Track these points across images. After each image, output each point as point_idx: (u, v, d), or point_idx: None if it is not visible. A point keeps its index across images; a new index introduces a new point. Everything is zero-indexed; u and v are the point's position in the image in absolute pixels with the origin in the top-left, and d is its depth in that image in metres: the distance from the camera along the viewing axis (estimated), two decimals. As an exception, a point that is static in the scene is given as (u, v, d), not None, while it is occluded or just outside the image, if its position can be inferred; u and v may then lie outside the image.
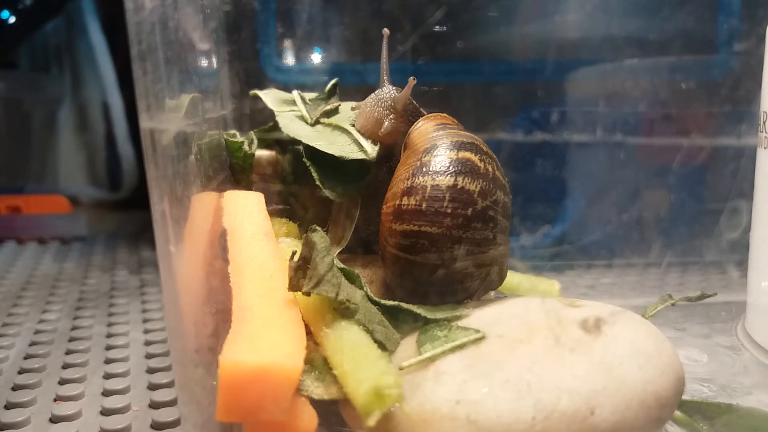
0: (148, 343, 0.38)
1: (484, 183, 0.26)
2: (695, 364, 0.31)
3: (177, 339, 0.22)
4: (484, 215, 0.26)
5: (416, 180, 0.26)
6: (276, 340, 0.21)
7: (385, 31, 0.31)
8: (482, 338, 0.23)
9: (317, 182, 0.28)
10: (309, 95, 0.34)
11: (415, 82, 0.28)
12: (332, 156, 0.28)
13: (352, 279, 0.25)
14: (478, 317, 0.25)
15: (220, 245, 0.25)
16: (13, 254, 0.60)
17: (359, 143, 0.29)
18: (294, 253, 0.24)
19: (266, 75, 0.53)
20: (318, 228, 0.24)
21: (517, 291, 0.35)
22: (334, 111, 0.31)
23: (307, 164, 0.29)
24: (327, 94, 0.33)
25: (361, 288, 0.25)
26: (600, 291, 0.46)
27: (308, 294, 0.24)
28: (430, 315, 0.25)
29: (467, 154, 0.27)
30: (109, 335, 0.39)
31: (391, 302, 0.25)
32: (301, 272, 0.24)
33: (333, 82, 0.33)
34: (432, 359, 0.23)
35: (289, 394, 0.20)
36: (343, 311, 0.23)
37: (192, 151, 0.25)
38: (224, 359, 0.20)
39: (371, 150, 0.29)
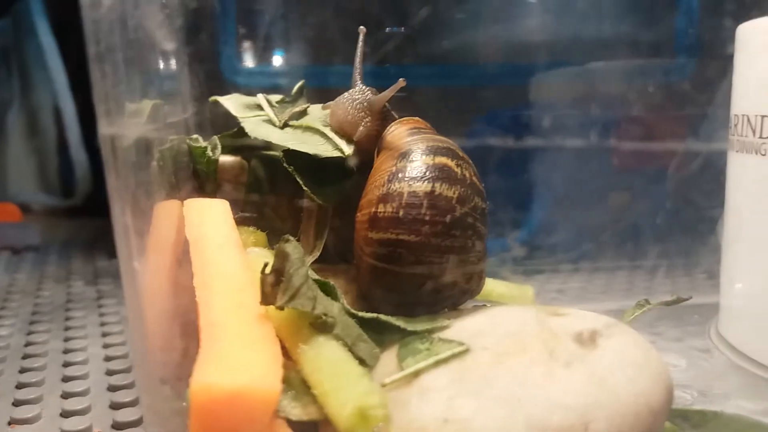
0: (108, 359, 0.36)
1: (462, 189, 0.25)
2: (674, 370, 0.31)
3: (142, 358, 0.20)
4: (463, 222, 0.25)
5: (392, 186, 0.25)
6: (250, 360, 0.20)
7: (362, 29, 0.30)
8: (466, 351, 0.22)
9: (303, 187, 0.27)
10: (273, 98, 0.33)
11: (404, 84, 0.27)
12: (309, 160, 0.27)
13: (327, 291, 0.24)
14: (459, 328, 0.24)
15: (184, 257, 0.24)
16: (-41, 266, 0.57)
17: (333, 142, 0.28)
18: (266, 265, 0.23)
19: (226, 77, 0.52)
20: (291, 237, 0.23)
21: (489, 297, 0.35)
22: (303, 113, 0.30)
23: (290, 169, 0.27)
24: (294, 96, 0.32)
25: (338, 300, 0.24)
26: (570, 296, 0.46)
27: (281, 308, 0.23)
28: (409, 327, 0.24)
29: (444, 160, 0.26)
30: (66, 351, 0.37)
31: (369, 315, 0.24)
32: (273, 285, 0.23)
33: (300, 84, 0.32)
34: (415, 374, 0.22)
35: (266, 418, 0.19)
36: (320, 326, 0.22)
37: (154, 157, 0.24)
38: (195, 382, 0.18)
39: (347, 148, 0.28)
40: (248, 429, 0.18)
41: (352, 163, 0.28)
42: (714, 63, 0.50)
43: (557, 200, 0.53)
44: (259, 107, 0.31)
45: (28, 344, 0.38)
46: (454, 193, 0.25)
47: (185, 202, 0.26)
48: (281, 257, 0.23)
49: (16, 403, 0.31)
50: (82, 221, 0.74)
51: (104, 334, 0.40)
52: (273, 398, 0.18)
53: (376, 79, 0.35)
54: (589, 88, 0.53)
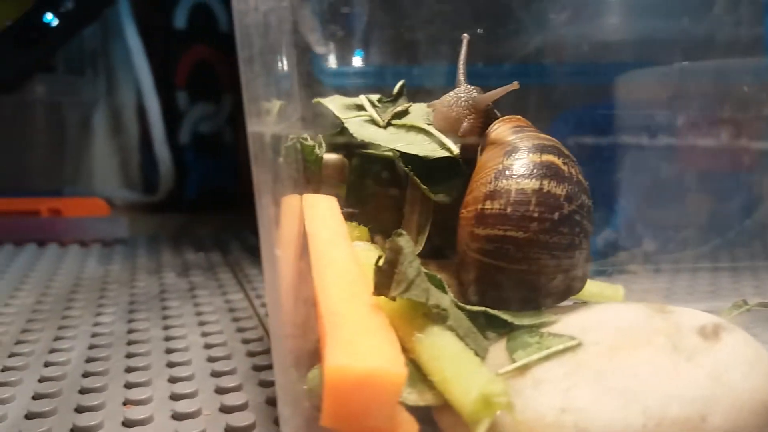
0: (208, 346, 0.38)
1: (570, 186, 0.26)
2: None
3: (278, 342, 0.22)
4: (570, 219, 0.26)
5: (499, 183, 0.26)
6: (375, 345, 0.21)
7: (465, 36, 0.31)
8: (578, 345, 0.23)
9: (421, 187, 0.28)
10: (373, 97, 0.34)
11: (517, 86, 0.28)
12: (419, 159, 0.28)
13: (436, 284, 0.25)
14: (567, 324, 0.25)
15: (304, 249, 0.25)
16: (56, 257, 0.60)
17: (440, 141, 0.29)
18: (380, 257, 0.24)
19: (318, 79, 0.53)
20: (403, 232, 0.24)
21: (581, 296, 0.35)
22: (405, 112, 0.31)
23: (407, 169, 0.28)
24: (395, 95, 0.32)
25: (446, 293, 0.25)
26: (657, 296, 0.45)
27: (394, 299, 0.24)
28: (517, 321, 0.25)
29: (550, 157, 0.26)
30: (168, 338, 0.39)
31: (478, 308, 0.25)
32: (387, 276, 0.24)
33: (400, 83, 0.33)
34: (527, 367, 0.22)
35: (394, 400, 0.19)
36: (433, 316, 0.23)
37: (281, 153, 0.25)
38: (330, 364, 0.19)
39: (454, 147, 0.28)
40: (377, 409, 0.19)
41: (462, 161, 0.28)
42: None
43: (641, 201, 0.53)
44: (360, 107, 0.32)
45: (130, 331, 0.40)
46: (561, 190, 0.26)
47: (304, 197, 0.27)
48: (395, 250, 0.24)
49: (128, 385, 0.33)
50: (166, 216, 0.77)
51: (201, 323, 0.42)
52: (400, 381, 0.19)
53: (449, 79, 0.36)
54: (673, 88, 0.52)
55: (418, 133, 0.30)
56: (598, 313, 0.25)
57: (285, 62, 0.25)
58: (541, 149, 0.27)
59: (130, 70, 0.80)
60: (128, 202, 0.82)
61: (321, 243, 0.26)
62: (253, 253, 0.61)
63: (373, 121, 0.31)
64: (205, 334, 0.40)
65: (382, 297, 0.24)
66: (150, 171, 0.82)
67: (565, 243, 0.26)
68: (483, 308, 0.25)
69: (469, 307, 0.25)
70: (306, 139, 0.32)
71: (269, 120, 0.20)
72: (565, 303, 0.29)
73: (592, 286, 0.35)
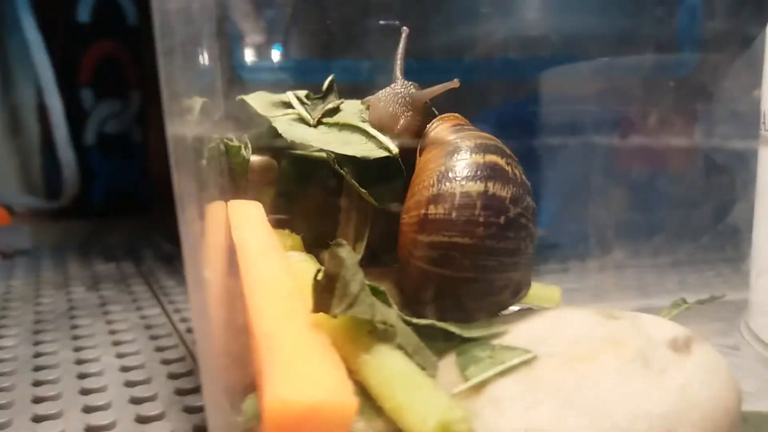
0: (124, 369, 0.34)
1: (515, 188, 0.25)
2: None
3: (210, 375, 0.19)
4: (517, 223, 0.24)
5: (442, 186, 0.24)
6: (319, 372, 0.19)
7: (405, 29, 0.30)
8: (534, 358, 0.21)
9: (359, 190, 0.26)
10: (299, 93, 0.31)
11: (458, 84, 0.26)
12: (355, 160, 0.26)
13: (380, 297, 0.23)
14: (518, 334, 0.23)
15: (231, 262, 0.23)
16: (-51, 272, 0.55)
17: (377, 140, 0.27)
18: (318, 271, 0.22)
19: (238, 73, 0.50)
20: (344, 242, 0.22)
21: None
22: (336, 110, 0.29)
23: (343, 172, 0.26)
24: (324, 92, 0.30)
25: (390, 306, 0.23)
26: (586, 294, 0.45)
27: (335, 316, 0.22)
28: (467, 333, 0.23)
29: (494, 158, 0.25)
30: (79, 361, 0.36)
31: (425, 321, 0.23)
32: (327, 292, 0.22)
33: (329, 79, 0.31)
34: (482, 384, 0.21)
35: (344, 435, 0.17)
36: (380, 334, 0.21)
37: (204, 157, 0.22)
38: (270, 398, 0.17)
39: (393, 146, 0.27)
40: (326, 447, 0.17)
41: (400, 162, 0.27)
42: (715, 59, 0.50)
43: (563, 198, 0.53)
44: (287, 105, 0.30)
45: (37, 355, 0.37)
46: (507, 192, 0.24)
47: (229, 204, 0.25)
48: (335, 262, 0.22)
49: (36, 419, 0.29)
50: (72, 224, 0.72)
51: (116, 343, 0.38)
52: (351, 412, 0.17)
53: (374, 74, 0.34)
54: (591, 84, 0.52)
55: (352, 132, 0.28)
56: (548, 321, 0.24)
57: (206, 54, 0.22)
58: (484, 149, 0.25)
59: (28, 67, 0.74)
60: (30, 209, 0.76)
61: (250, 255, 0.24)
62: (169, 262, 0.57)
63: (302, 120, 0.29)
64: (120, 355, 0.36)
65: (322, 314, 0.22)
66: (53, 175, 0.76)
67: (512, 248, 0.24)
68: (430, 321, 0.23)
69: (415, 320, 0.23)
70: (231, 140, 0.29)
71: (192, 120, 0.18)
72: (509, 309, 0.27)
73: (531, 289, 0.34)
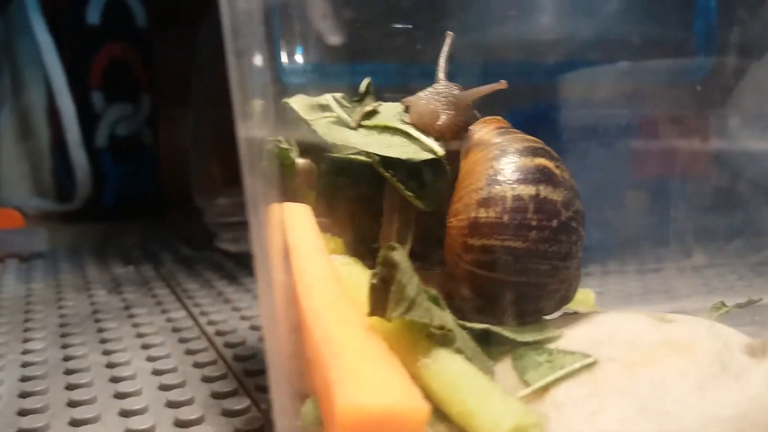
0: (157, 373, 0.34)
1: (565, 191, 0.24)
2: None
3: (278, 379, 0.19)
4: (568, 227, 0.24)
5: (493, 189, 0.24)
6: (386, 376, 0.18)
7: (450, 33, 0.29)
8: (594, 363, 0.21)
9: (405, 193, 0.26)
10: (336, 95, 0.31)
11: (505, 86, 0.26)
12: (399, 162, 0.26)
13: (433, 301, 0.23)
14: (572, 338, 0.23)
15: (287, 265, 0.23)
16: (-33, 276, 0.54)
17: (421, 141, 0.27)
18: (374, 274, 0.22)
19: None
20: (398, 245, 0.22)
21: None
22: (374, 112, 0.29)
23: (389, 175, 0.26)
24: (362, 94, 0.30)
25: (444, 310, 0.23)
26: (611, 298, 0.45)
27: (390, 320, 0.22)
28: (520, 338, 0.23)
29: (542, 161, 0.25)
30: (110, 365, 0.35)
31: (480, 326, 0.23)
32: (382, 295, 0.22)
33: (367, 80, 0.31)
34: (543, 389, 0.21)
35: (416, 440, 0.17)
36: (439, 339, 0.21)
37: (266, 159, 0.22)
38: (342, 403, 0.17)
39: (438, 148, 0.27)
40: (399, 453, 0.17)
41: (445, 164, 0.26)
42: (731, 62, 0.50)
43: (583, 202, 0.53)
44: (325, 107, 0.30)
45: (67, 358, 0.36)
46: (558, 196, 0.24)
47: (284, 206, 0.25)
48: (389, 266, 0.22)
49: (74, 423, 0.29)
50: (84, 226, 0.71)
51: (145, 346, 0.38)
52: (424, 417, 0.17)
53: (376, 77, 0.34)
54: (608, 88, 0.52)
55: (393, 134, 0.27)
56: (600, 324, 0.24)
57: (262, 55, 0.22)
58: (532, 152, 0.25)
59: (38, 70, 0.74)
60: (41, 212, 0.76)
61: (303, 258, 0.24)
62: (189, 265, 0.57)
63: (341, 122, 0.29)
64: (151, 359, 0.36)
65: (374, 318, 0.22)
66: (64, 178, 0.76)
67: (564, 252, 0.24)
68: (486, 325, 0.23)
69: (470, 324, 0.23)
70: (280, 142, 0.29)
71: (259, 122, 0.17)
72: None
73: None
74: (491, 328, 0.23)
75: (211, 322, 0.42)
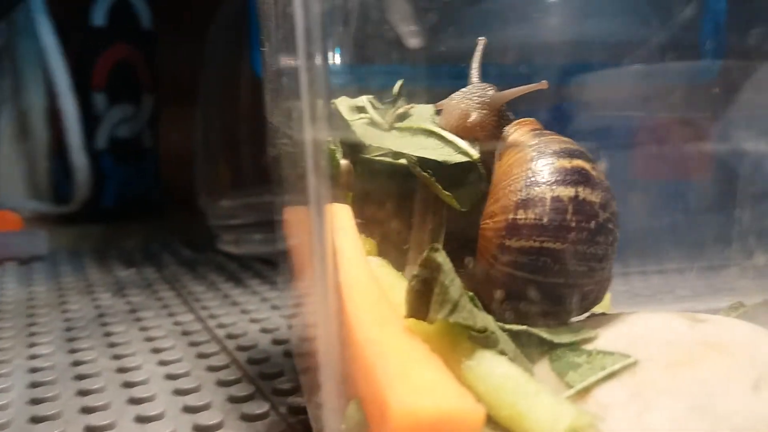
0: (171, 377, 0.34)
1: (603, 193, 0.24)
2: None
3: (331, 381, 0.19)
4: (605, 228, 0.24)
5: (532, 191, 0.24)
6: (439, 379, 0.18)
7: (482, 38, 0.29)
8: (635, 363, 0.21)
9: (442, 194, 0.25)
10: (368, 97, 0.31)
11: (546, 86, 0.26)
12: (433, 164, 0.26)
13: (473, 303, 0.22)
14: (607, 339, 0.23)
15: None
16: (-34, 278, 0.53)
17: (455, 144, 0.26)
18: (415, 276, 0.21)
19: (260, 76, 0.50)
20: (439, 247, 0.22)
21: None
22: (407, 114, 0.29)
23: (428, 174, 0.26)
24: (395, 96, 0.30)
25: (482, 311, 0.22)
26: (620, 299, 0.45)
27: (431, 322, 0.21)
28: (557, 339, 0.23)
29: (580, 162, 0.24)
30: (121, 369, 0.35)
31: (518, 327, 0.23)
32: (422, 297, 0.21)
33: (399, 83, 0.30)
34: (585, 390, 0.20)
35: (472, 444, 0.17)
36: (482, 341, 0.21)
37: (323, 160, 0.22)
38: (397, 407, 0.16)
39: (473, 151, 0.26)
40: (455, 458, 0.16)
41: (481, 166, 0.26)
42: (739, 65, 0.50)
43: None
44: (361, 109, 0.30)
45: (76, 363, 0.36)
46: (596, 197, 0.24)
47: (332, 207, 0.24)
48: (431, 267, 0.21)
49: (90, 430, 0.28)
50: (83, 228, 0.70)
51: (155, 350, 0.37)
52: (480, 419, 0.17)
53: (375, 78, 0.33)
54: (617, 90, 0.52)
55: (427, 136, 0.27)
56: (632, 324, 0.24)
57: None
58: (570, 154, 0.25)
59: (38, 71, 0.73)
60: (39, 214, 0.75)
61: (346, 259, 0.23)
62: (192, 267, 0.56)
63: (375, 124, 0.28)
64: (163, 363, 0.35)
65: (413, 321, 0.21)
66: (63, 179, 0.75)
67: (601, 253, 0.24)
68: (525, 327, 0.23)
69: (508, 326, 0.22)
70: (330, 144, 0.29)
71: (322, 124, 0.17)
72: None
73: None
74: (529, 330, 0.23)
75: (220, 325, 0.41)
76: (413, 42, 0.23)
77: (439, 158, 0.26)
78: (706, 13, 0.53)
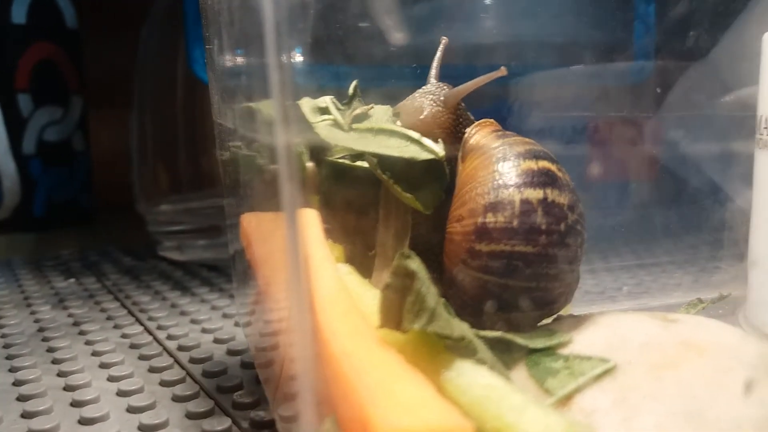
0: (123, 394, 0.32)
1: (570, 194, 0.24)
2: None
3: (307, 398, 0.18)
4: (574, 230, 0.24)
5: (500, 194, 0.24)
6: (420, 394, 0.17)
7: (444, 38, 0.29)
8: (614, 367, 0.21)
9: (402, 195, 0.25)
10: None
11: (505, 73, 0.26)
12: (395, 165, 0.25)
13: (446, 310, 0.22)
14: (581, 342, 0.23)
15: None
16: None
17: (420, 143, 0.26)
18: (387, 284, 0.21)
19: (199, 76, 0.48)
20: (412, 253, 0.21)
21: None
22: (365, 115, 0.28)
23: (385, 176, 0.25)
24: (350, 97, 0.29)
25: (456, 319, 0.22)
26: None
27: (405, 332, 0.21)
28: (532, 344, 0.23)
29: (546, 164, 0.24)
30: (69, 388, 0.33)
31: (493, 334, 0.22)
32: (396, 306, 0.21)
33: (354, 84, 0.29)
34: (566, 397, 0.20)
35: (462, 461, 0.16)
36: (460, 350, 0.20)
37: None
38: (383, 426, 0.16)
39: (439, 149, 0.26)
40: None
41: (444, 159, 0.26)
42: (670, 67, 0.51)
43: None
44: (324, 110, 0.29)
45: (18, 383, 0.34)
46: (564, 199, 0.24)
47: (300, 212, 0.23)
48: (405, 275, 0.21)
49: (40, 455, 0.27)
50: (13, 237, 0.67)
51: (103, 365, 0.36)
52: (469, 438, 0.16)
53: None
54: (553, 91, 0.53)
55: (389, 136, 0.26)
56: (604, 326, 0.24)
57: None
58: (535, 155, 0.25)
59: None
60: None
61: (316, 267, 0.22)
62: (135, 276, 0.54)
63: (338, 125, 0.28)
64: (113, 379, 0.34)
65: (384, 331, 0.21)
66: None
67: (571, 255, 0.24)
68: (500, 333, 0.22)
69: (483, 333, 0.22)
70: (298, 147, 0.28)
71: (292, 126, 0.16)
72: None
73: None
74: (504, 336, 0.22)
75: (170, 337, 0.40)
76: (398, 36, 0.23)
77: (406, 155, 0.25)
78: (636, 17, 0.55)
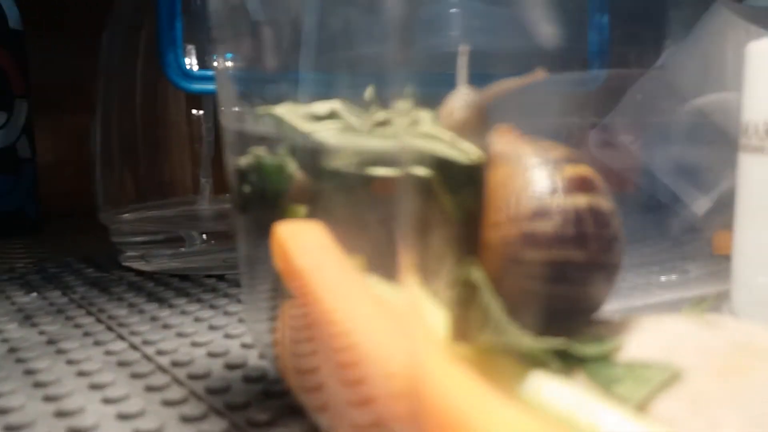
0: (123, 417, 0.30)
1: (611, 201, 0.24)
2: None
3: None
4: (618, 236, 0.24)
5: (546, 200, 0.23)
6: (518, 415, 0.17)
7: (464, 47, 0.29)
8: (678, 373, 0.21)
9: (442, 196, 0.24)
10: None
11: (544, 76, 0.25)
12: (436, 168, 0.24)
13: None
14: (632, 348, 0.22)
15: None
16: None
17: (459, 146, 0.25)
18: (456, 297, 0.20)
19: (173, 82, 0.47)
20: (471, 264, 0.20)
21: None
22: (388, 122, 0.27)
23: (434, 177, 0.24)
24: (368, 102, 0.28)
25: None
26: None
27: (477, 345, 0.20)
28: (588, 352, 0.22)
29: (587, 170, 0.24)
30: (60, 414, 0.31)
31: (554, 342, 0.22)
32: (464, 319, 0.20)
33: (370, 88, 0.29)
34: (640, 406, 0.20)
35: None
36: (534, 362, 0.20)
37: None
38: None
39: (479, 152, 0.25)
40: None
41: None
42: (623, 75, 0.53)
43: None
44: (323, 117, 0.28)
45: (3, 411, 0.31)
46: (608, 205, 0.23)
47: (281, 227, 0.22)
48: (468, 286, 0.20)
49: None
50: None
51: (94, 387, 0.33)
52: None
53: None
54: (512, 99, 0.54)
55: (429, 139, 0.26)
56: (651, 331, 0.23)
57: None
58: (573, 161, 0.24)
59: None
60: None
61: (330, 282, 0.22)
62: (103, 288, 0.51)
63: (350, 130, 0.27)
64: (108, 401, 0.32)
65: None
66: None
67: (616, 261, 0.24)
68: (561, 341, 0.22)
69: (544, 342, 0.22)
70: (263, 157, 0.27)
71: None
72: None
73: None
74: (563, 345, 0.22)
75: (160, 352, 0.38)
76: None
77: (453, 156, 0.25)
78: (591, 27, 0.56)
